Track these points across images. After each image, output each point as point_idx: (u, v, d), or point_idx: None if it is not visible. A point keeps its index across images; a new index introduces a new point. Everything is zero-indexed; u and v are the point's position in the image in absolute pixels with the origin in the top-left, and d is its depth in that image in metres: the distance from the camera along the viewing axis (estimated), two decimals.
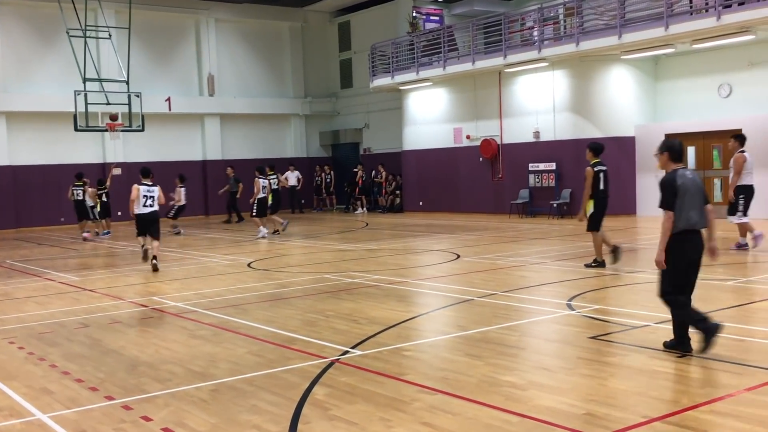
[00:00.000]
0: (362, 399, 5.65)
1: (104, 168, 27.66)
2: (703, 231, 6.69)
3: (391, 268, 13.11)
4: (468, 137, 25.73)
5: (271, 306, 9.87)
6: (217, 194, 28.05)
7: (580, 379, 6.02)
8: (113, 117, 22.62)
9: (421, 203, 27.52)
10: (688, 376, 6.02)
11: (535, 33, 22.83)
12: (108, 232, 22.59)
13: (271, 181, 20.66)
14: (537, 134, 23.52)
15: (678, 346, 6.66)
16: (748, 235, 13.62)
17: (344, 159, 32.51)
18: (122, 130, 23.51)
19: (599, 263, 12.04)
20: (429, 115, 27.14)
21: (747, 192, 13.43)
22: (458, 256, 14.34)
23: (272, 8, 31.39)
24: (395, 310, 9.27)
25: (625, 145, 22.02)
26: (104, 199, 22.29)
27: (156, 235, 14.17)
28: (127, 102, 23.18)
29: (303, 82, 32.85)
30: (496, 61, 23.36)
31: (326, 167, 31.71)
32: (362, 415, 5.29)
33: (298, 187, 30.61)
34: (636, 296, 9.76)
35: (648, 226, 18.92)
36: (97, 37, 24.76)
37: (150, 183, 14.32)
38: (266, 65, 32.01)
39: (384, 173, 29.07)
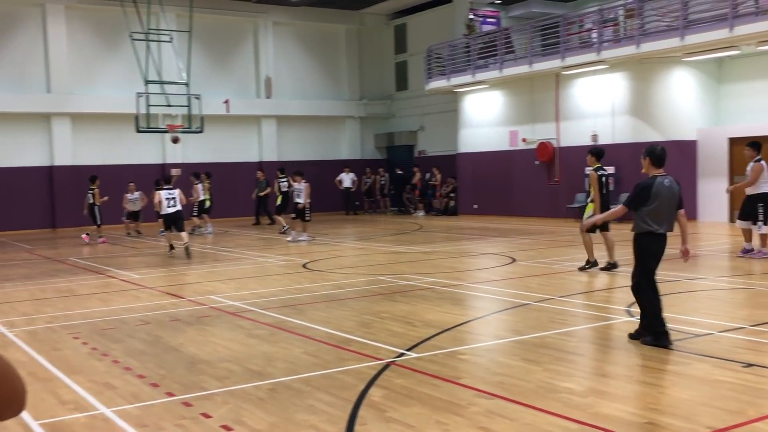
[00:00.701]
0: (418, 402, 5.64)
1: (163, 169, 28.22)
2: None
3: (446, 271, 13.07)
4: (524, 140, 25.49)
5: (327, 307, 9.92)
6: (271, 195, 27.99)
7: (641, 387, 5.91)
8: (174, 140, 23.20)
9: (475, 206, 27.37)
10: (753, 387, 5.84)
11: (594, 35, 22.49)
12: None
13: (281, 183, 22.54)
14: (595, 137, 23.17)
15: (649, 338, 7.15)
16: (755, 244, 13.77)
17: (399, 161, 32.54)
18: (181, 132, 23.95)
19: (592, 264, 12.43)
20: (485, 118, 26.98)
21: (766, 200, 13.39)
22: (513, 260, 14.22)
23: (329, 11, 31.64)
24: (450, 313, 9.24)
25: (687, 149, 21.55)
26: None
27: (181, 229, 16.96)
28: (186, 104, 23.63)
29: (359, 84, 33.00)
30: (553, 63, 23.10)
31: (380, 169, 31.78)
32: (418, 417, 5.28)
33: (353, 189, 30.76)
34: (698, 303, 9.54)
35: (710, 231, 18.47)
36: (158, 41, 25.30)
37: (171, 187, 17.39)
38: (322, 67, 32.26)
39: (439, 176, 29.00)
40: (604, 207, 12.15)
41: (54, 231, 26.02)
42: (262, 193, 25.88)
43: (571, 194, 23.90)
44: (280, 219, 22.46)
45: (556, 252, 15.50)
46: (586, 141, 23.44)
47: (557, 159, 24.45)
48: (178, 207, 16.93)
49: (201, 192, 23.00)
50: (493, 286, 11.29)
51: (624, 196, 22.15)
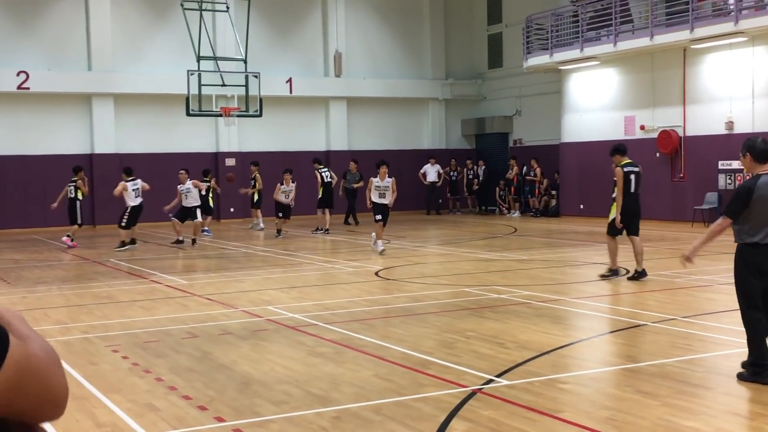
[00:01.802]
0: None
1: (217, 158, 28.81)
2: None
3: (545, 284, 12.95)
4: (642, 128, 25.01)
5: (402, 323, 9.95)
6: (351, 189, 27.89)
7: None
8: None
9: (581, 206, 26.99)
10: None
11: (731, 1, 21.88)
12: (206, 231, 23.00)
13: (323, 174, 23.60)
14: (730, 125, 22.56)
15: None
16: None
17: (490, 152, 32.35)
18: (238, 115, 24.37)
19: (614, 272, 13.19)
20: (594, 101, 26.58)
21: None
22: (627, 272, 13.97)
23: None
24: (549, 333, 9.15)
25: None
26: (203, 193, 22.45)
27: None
28: (244, 83, 24.04)
29: (444, 61, 32.95)
30: (680, 36, 22.58)
31: (468, 161, 31.66)
32: None
33: (439, 183, 30.72)
34: None
35: None
36: (213, 10, 25.83)
37: (134, 178, 19.74)
38: (402, 42, 32.33)
39: (538, 170, 28.71)
40: (629, 208, 12.96)
41: (94, 228, 26.86)
42: (355, 185, 26.12)
43: (699, 193, 23.33)
44: (326, 216, 23.30)
45: (680, 263, 15.10)
46: (720, 129, 22.83)
47: (683, 151, 23.89)
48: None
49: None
50: (602, 303, 11.13)
51: None
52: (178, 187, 20.86)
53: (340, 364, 7.87)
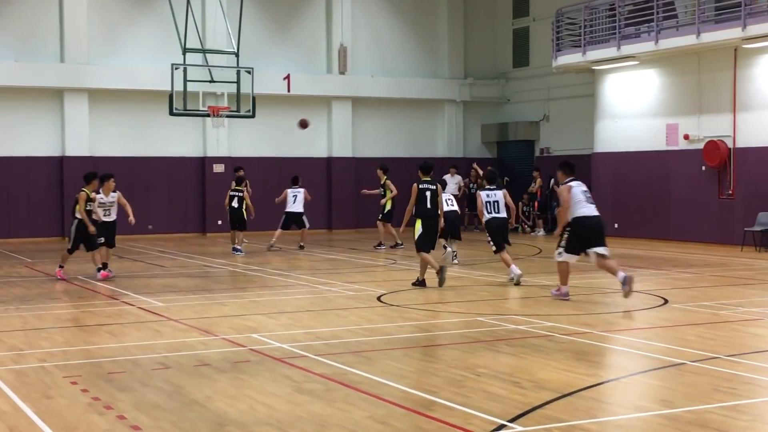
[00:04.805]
0: None
1: (204, 163, 28.79)
2: None
3: (571, 313, 12.83)
4: (686, 137, 24.95)
5: (405, 356, 9.88)
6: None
7: None
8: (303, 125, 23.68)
9: (615, 225, 26.86)
10: None
11: None
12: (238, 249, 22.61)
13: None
14: None
15: None
16: None
17: (514, 161, 32.26)
18: (228, 116, 24.34)
19: (420, 283, 15.42)
20: (632, 106, 26.56)
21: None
22: (665, 302, 13.88)
23: None
24: (573, 371, 9.03)
25: None
26: (234, 204, 22.22)
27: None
28: (235, 80, 24.02)
29: (463, 58, 32.96)
30: (731, 33, 22.57)
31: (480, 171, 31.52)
32: None
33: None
34: None
35: None
36: None
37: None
38: (415, 36, 32.35)
39: None
40: (428, 224, 15.18)
41: (63, 240, 26.85)
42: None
43: (750, 213, 23.21)
44: (391, 230, 23.15)
45: (726, 292, 15.01)
46: None
47: (732, 164, 23.79)
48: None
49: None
50: (635, 338, 11.04)
51: None
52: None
53: (329, 403, 7.76)
